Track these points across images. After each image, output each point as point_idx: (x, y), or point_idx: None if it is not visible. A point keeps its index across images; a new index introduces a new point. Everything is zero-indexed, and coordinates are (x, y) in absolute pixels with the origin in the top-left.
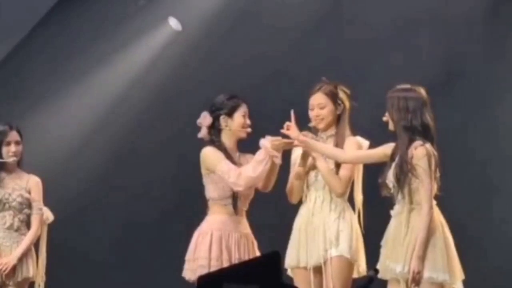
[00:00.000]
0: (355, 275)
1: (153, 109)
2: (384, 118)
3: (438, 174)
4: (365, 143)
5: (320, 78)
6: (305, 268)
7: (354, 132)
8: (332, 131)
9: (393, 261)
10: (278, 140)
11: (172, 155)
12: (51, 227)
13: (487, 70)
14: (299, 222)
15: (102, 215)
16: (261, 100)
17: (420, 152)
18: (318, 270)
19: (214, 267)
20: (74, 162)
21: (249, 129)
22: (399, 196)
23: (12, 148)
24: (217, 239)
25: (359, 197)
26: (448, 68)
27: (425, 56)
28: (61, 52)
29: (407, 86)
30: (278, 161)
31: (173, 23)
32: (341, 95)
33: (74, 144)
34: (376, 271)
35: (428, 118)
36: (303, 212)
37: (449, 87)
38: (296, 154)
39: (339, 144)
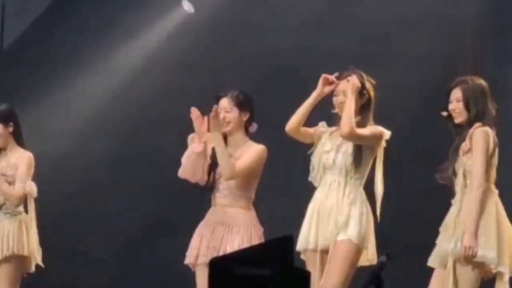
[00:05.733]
0: (365, 263)
1: (165, 93)
2: (445, 113)
3: (496, 162)
4: (387, 133)
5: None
6: (314, 250)
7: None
8: (355, 119)
9: (446, 241)
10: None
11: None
12: (52, 219)
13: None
14: (312, 205)
15: (107, 204)
16: (269, 87)
17: (479, 131)
18: (328, 253)
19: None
20: (83, 147)
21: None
22: (458, 188)
23: None
24: (198, 229)
25: (380, 188)
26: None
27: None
28: (74, 37)
29: (468, 77)
30: (196, 149)
31: (186, 5)
32: (368, 85)
33: (83, 131)
34: (388, 256)
35: (493, 108)
36: (317, 196)
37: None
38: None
39: None
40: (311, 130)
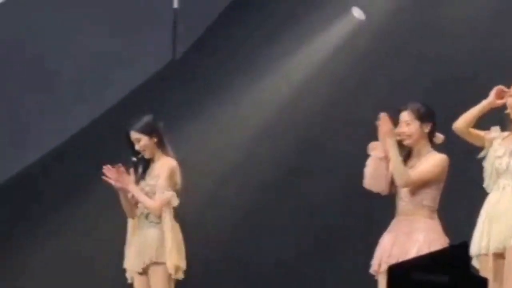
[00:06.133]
0: None
1: (336, 100)
2: None
3: None
4: None
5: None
6: (486, 255)
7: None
8: None
9: None
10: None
11: (350, 148)
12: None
13: None
14: (484, 209)
15: (278, 215)
16: (445, 95)
17: None
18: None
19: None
20: (251, 158)
21: (397, 136)
22: None
23: (136, 147)
24: (382, 238)
25: None
26: None
27: None
28: (244, 47)
29: None
30: (378, 154)
31: (357, 12)
32: None
33: (252, 143)
34: None
35: None
36: (490, 200)
37: None
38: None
39: None
40: (481, 133)
